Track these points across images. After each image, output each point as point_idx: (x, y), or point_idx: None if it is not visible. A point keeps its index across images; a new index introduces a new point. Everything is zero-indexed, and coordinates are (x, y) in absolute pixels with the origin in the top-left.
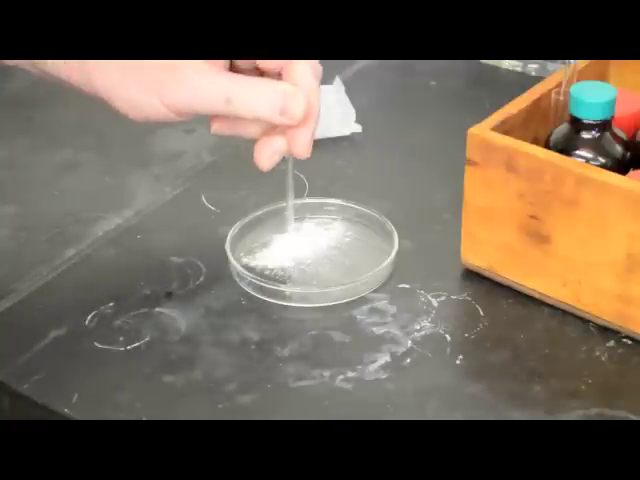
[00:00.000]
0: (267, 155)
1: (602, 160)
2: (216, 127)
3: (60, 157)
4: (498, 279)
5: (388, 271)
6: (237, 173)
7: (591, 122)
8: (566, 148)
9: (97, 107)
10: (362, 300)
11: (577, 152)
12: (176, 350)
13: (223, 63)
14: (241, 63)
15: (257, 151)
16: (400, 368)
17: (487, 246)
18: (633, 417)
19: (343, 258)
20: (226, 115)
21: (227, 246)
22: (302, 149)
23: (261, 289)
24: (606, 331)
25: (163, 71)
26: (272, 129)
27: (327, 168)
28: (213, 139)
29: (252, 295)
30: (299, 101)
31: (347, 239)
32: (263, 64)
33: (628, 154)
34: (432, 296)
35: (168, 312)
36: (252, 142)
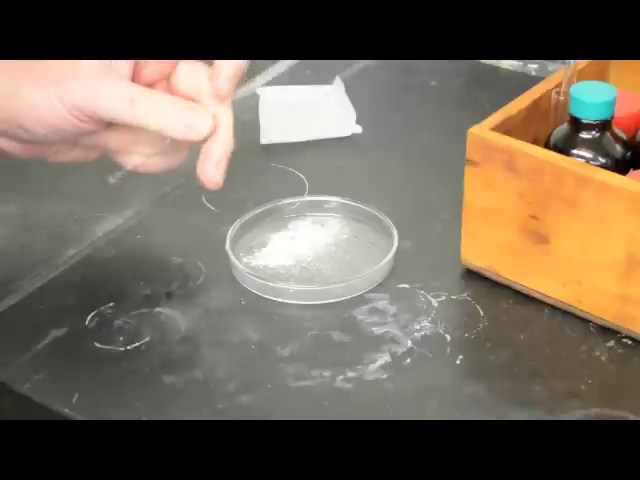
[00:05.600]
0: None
1: (602, 160)
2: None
3: None
4: (498, 279)
5: (388, 268)
6: (237, 173)
7: (591, 122)
8: (566, 148)
9: None
10: (362, 300)
11: (577, 152)
12: (176, 350)
13: (126, 73)
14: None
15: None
16: (400, 368)
17: (487, 246)
18: (633, 417)
19: (343, 256)
20: (127, 123)
21: (227, 246)
22: (210, 174)
23: (263, 288)
24: (606, 331)
25: (63, 66)
26: None
27: (327, 168)
28: None
29: (252, 295)
30: (207, 118)
31: (347, 237)
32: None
33: (628, 154)
34: (432, 296)
35: (168, 312)
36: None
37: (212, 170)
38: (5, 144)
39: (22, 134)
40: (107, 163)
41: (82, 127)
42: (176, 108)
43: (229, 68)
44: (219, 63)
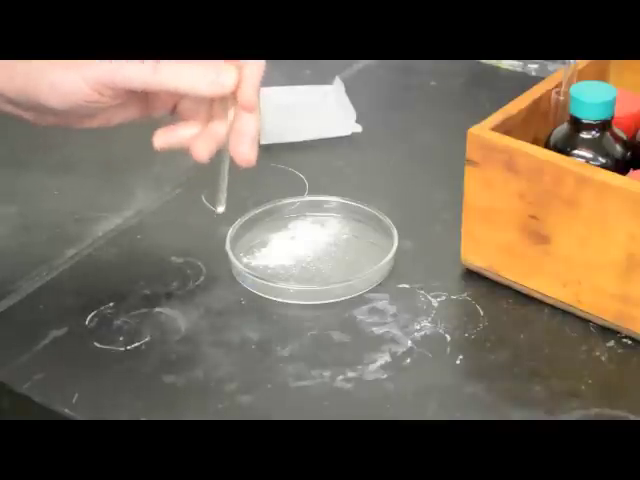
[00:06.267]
0: (205, 145)
1: (602, 160)
2: (161, 139)
3: (60, 156)
4: (498, 279)
5: (388, 268)
6: (237, 173)
7: (591, 122)
8: (566, 148)
9: None
10: (362, 300)
11: (577, 152)
12: (176, 350)
13: None
14: None
15: (195, 144)
16: (400, 368)
17: (487, 246)
18: (633, 417)
19: (343, 256)
20: (154, 89)
21: (227, 246)
22: (245, 153)
23: (263, 288)
24: (606, 331)
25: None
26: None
27: (327, 168)
28: None
29: (252, 295)
30: (230, 72)
31: (347, 237)
32: None
33: (628, 154)
34: (432, 296)
35: (168, 312)
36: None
37: (247, 150)
38: (25, 115)
39: (41, 108)
40: (107, 162)
41: (104, 101)
42: (199, 68)
43: (255, 77)
44: (243, 73)
